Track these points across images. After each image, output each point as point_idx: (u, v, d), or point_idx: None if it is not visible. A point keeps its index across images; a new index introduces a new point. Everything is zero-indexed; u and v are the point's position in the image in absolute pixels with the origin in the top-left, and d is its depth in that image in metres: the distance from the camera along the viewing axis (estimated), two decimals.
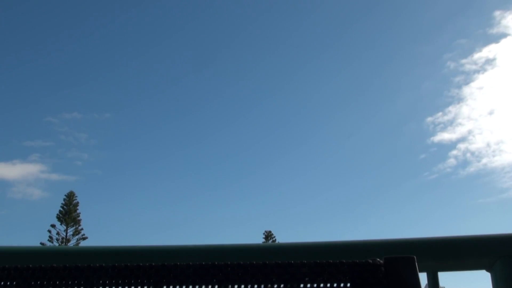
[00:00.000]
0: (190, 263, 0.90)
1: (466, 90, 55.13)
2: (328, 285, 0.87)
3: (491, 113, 56.04)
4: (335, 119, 56.92)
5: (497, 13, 52.14)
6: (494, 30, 53.70)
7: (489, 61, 54.72)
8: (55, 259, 1.34)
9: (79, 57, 54.98)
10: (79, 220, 40.61)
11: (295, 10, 54.34)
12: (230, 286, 0.88)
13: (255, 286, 0.88)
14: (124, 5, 54.76)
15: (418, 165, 55.61)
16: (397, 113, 57.13)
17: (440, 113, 53.73)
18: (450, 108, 54.16)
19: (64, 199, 41.09)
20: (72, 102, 55.41)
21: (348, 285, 0.87)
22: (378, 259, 0.89)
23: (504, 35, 57.16)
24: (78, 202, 41.25)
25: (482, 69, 52.79)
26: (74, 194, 41.34)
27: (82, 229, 40.64)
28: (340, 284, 0.87)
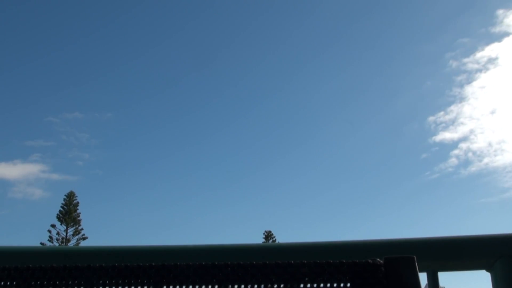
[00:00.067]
0: (190, 263, 0.90)
1: (468, 89, 55.16)
2: (328, 285, 0.87)
3: (493, 112, 56.09)
4: (336, 119, 56.95)
5: (500, 11, 52.16)
6: (497, 29, 53.70)
7: (492, 60, 54.62)
8: (55, 259, 1.34)
9: (80, 57, 55.09)
10: (79, 220, 40.63)
11: (295, 9, 54.36)
12: (230, 286, 0.88)
13: (255, 286, 0.88)
14: (125, 4, 54.77)
15: (420, 164, 55.64)
16: (399, 112, 57.14)
17: (442, 113, 53.72)
18: (452, 107, 54.14)
19: (64, 199, 41.11)
20: (73, 102, 55.51)
21: (348, 285, 0.87)
22: (378, 259, 0.89)
23: (506, 34, 57.16)
24: (78, 202, 41.29)
25: (484, 68, 52.75)
26: (74, 194, 41.36)
27: (82, 229, 40.69)
28: (340, 284, 0.87)
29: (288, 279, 0.87)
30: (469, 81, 54.87)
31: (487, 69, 53.13)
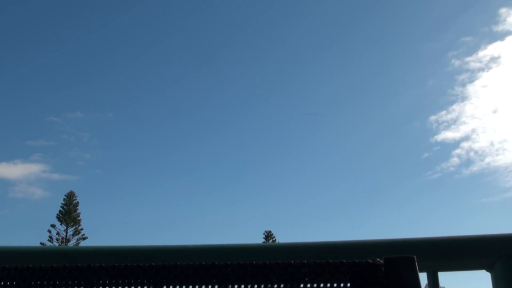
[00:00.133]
0: (190, 263, 0.90)
1: (470, 88, 55.10)
2: (328, 285, 0.87)
3: (495, 111, 55.99)
4: (337, 118, 56.94)
5: (502, 10, 52.11)
6: (500, 28, 53.59)
7: (494, 59, 54.39)
8: (55, 259, 1.34)
9: (82, 56, 55.12)
10: (79, 220, 40.64)
11: (296, 9, 54.34)
12: (230, 286, 0.88)
13: (255, 286, 0.88)
14: (126, 4, 54.79)
15: (421, 164, 55.55)
16: (401, 112, 57.00)
17: (444, 112, 53.60)
18: (454, 106, 54.00)
19: (64, 199, 41.12)
20: (74, 102, 55.47)
21: (348, 285, 0.87)
22: (378, 259, 0.89)
23: (509, 33, 56.94)
24: (78, 202, 41.30)
25: (486, 67, 52.59)
26: (74, 194, 41.37)
27: (82, 229, 40.69)
28: (340, 284, 0.87)
29: (288, 279, 0.87)
30: (471, 80, 54.77)
31: (490, 68, 53.05)
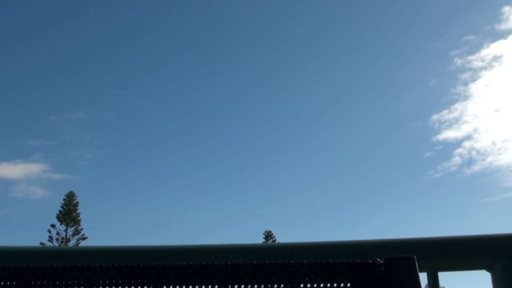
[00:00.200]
0: (190, 263, 0.90)
1: (473, 88, 55.06)
2: (328, 285, 0.87)
3: (497, 110, 55.91)
4: (339, 117, 56.90)
5: (505, 8, 51.99)
6: (503, 26, 53.54)
7: (497, 58, 54.29)
8: (55, 259, 1.34)
9: (83, 56, 55.14)
10: (79, 220, 40.65)
11: (298, 7, 54.33)
12: (230, 286, 0.88)
13: (255, 286, 0.88)
14: (127, 4, 54.81)
15: (423, 163, 55.48)
16: (403, 111, 56.84)
17: (446, 111, 53.54)
18: (456, 105, 53.93)
19: (64, 199, 41.13)
20: (76, 101, 55.45)
21: (348, 285, 0.87)
22: (378, 259, 0.89)
23: None
24: (78, 202, 41.31)
25: (489, 66, 52.49)
26: (74, 194, 41.38)
27: (82, 229, 40.70)
28: (340, 284, 0.87)
29: (288, 279, 0.87)
30: (474, 79, 54.63)
31: (492, 66, 52.96)
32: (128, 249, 1.37)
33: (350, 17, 55.50)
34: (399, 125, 57.53)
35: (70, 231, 40.31)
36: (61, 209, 40.69)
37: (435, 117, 53.37)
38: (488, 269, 1.31)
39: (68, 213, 40.46)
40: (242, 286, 0.88)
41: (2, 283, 0.90)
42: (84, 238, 40.49)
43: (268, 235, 43.89)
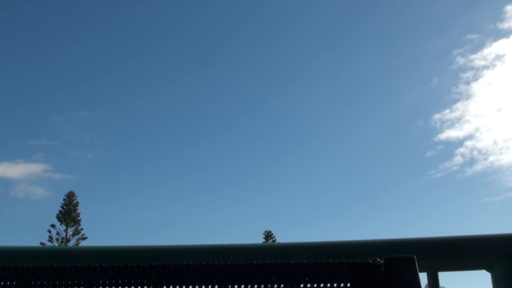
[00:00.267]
0: (190, 263, 0.90)
1: (475, 87, 54.89)
2: (328, 285, 0.87)
3: (499, 110, 55.80)
4: (340, 117, 56.84)
5: (508, 7, 51.83)
6: (505, 25, 53.37)
7: (499, 57, 53.92)
8: (55, 259, 1.34)
9: (84, 56, 55.11)
10: (79, 220, 40.65)
11: (298, 7, 54.28)
12: (230, 286, 0.88)
13: (255, 286, 0.88)
14: (128, 3, 54.83)
15: (425, 163, 55.37)
16: (404, 110, 56.65)
17: (448, 110, 53.37)
18: (458, 104, 53.78)
19: (64, 199, 41.14)
20: (77, 101, 55.42)
21: (348, 285, 0.87)
22: (378, 259, 0.89)
23: None
24: (78, 202, 41.31)
25: (491, 64, 52.35)
26: (74, 194, 41.39)
27: (82, 229, 40.71)
28: (340, 284, 0.87)
29: (288, 279, 0.87)
30: (476, 78, 54.35)
31: (494, 65, 52.81)
32: (128, 249, 1.37)
33: (351, 16, 55.44)
34: (400, 124, 57.47)
35: (70, 231, 40.34)
36: (61, 209, 40.71)
37: (436, 116, 53.30)
38: (488, 269, 1.31)
39: (68, 213, 40.46)
40: (242, 286, 0.88)
41: (2, 283, 0.90)
42: (84, 238, 40.51)
43: (268, 235, 43.90)
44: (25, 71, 53.31)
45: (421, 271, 1.27)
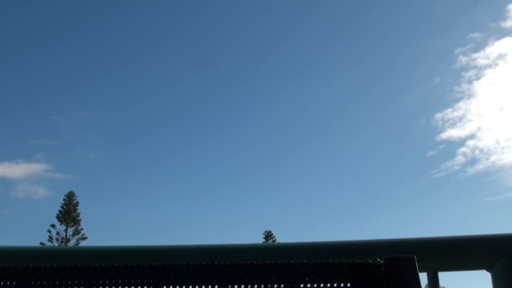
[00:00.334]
0: (190, 263, 0.90)
1: (477, 86, 54.77)
2: (328, 285, 0.87)
3: (501, 109, 55.68)
4: (341, 116, 56.70)
5: (511, 6, 51.81)
6: (508, 24, 53.17)
7: (502, 56, 53.56)
8: (55, 259, 1.34)
9: (86, 56, 55.01)
10: (79, 220, 40.65)
11: (299, 7, 54.24)
12: (230, 286, 0.88)
13: (255, 286, 0.88)
14: (130, 3, 54.84)
15: (426, 162, 55.20)
16: (406, 109, 56.40)
17: (450, 109, 53.26)
18: (460, 104, 53.57)
19: (64, 199, 41.15)
20: (79, 101, 55.36)
21: (348, 285, 0.87)
22: (378, 259, 0.89)
23: None
24: (78, 202, 41.30)
25: (494, 63, 52.11)
26: (74, 194, 41.39)
27: (82, 229, 40.70)
28: (340, 284, 0.87)
29: (288, 279, 0.87)
30: (478, 77, 54.09)
31: (497, 64, 52.67)
32: (128, 249, 1.37)
33: (353, 15, 55.29)
34: (402, 123, 57.32)
35: (70, 231, 40.34)
36: (61, 209, 40.72)
37: (438, 115, 53.20)
38: (488, 269, 1.31)
39: (68, 213, 40.46)
40: (242, 286, 0.88)
41: (2, 283, 0.90)
42: (84, 238, 40.51)
43: (268, 235, 43.90)
44: (27, 71, 53.36)
45: (421, 271, 1.27)
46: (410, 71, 56.55)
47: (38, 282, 0.89)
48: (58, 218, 40.40)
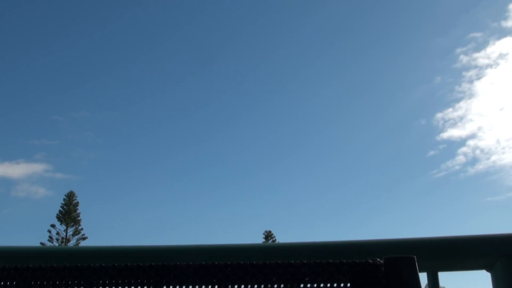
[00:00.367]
0: (190, 263, 0.90)
1: (478, 85, 54.71)
2: (328, 285, 0.87)
3: (502, 109, 55.60)
4: (341, 116, 56.69)
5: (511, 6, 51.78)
6: (509, 23, 53.08)
7: (502, 55, 53.44)
8: (55, 259, 1.34)
9: (87, 56, 55.03)
10: (79, 220, 40.64)
11: (299, 5, 54.21)
12: (230, 286, 0.88)
13: (255, 286, 0.88)
14: (131, 3, 54.82)
15: (427, 162, 55.08)
16: (407, 109, 56.38)
17: (451, 109, 53.21)
18: (461, 103, 53.52)
19: (64, 199, 41.14)
20: (79, 101, 55.36)
21: (348, 285, 0.87)
22: (378, 259, 0.89)
23: None
24: (78, 202, 41.30)
25: (495, 63, 52.03)
26: (74, 194, 41.39)
27: (82, 229, 40.70)
28: (340, 284, 0.87)
29: (288, 279, 0.87)
30: (479, 77, 53.91)
31: (498, 64, 52.56)
32: (128, 249, 1.37)
33: (353, 14, 55.22)
34: (402, 123, 57.28)
35: (70, 231, 40.34)
36: (61, 209, 40.71)
37: (439, 115, 53.13)
38: (488, 269, 1.31)
39: (68, 213, 40.46)
40: (242, 286, 0.88)
41: (2, 283, 0.90)
42: (84, 238, 40.50)
43: (268, 235, 43.89)
44: (27, 71, 53.35)
45: (421, 271, 1.27)
46: (410, 70, 56.56)
47: (38, 282, 0.89)
48: (58, 218, 40.40)
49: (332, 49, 55.78)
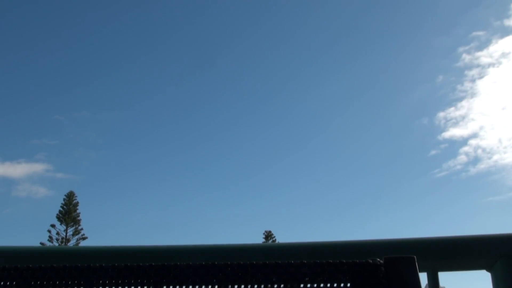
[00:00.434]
0: (190, 263, 0.90)
1: (480, 85, 54.65)
2: (328, 285, 0.87)
3: (504, 108, 55.50)
4: (343, 115, 56.64)
5: None
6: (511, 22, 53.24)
7: (505, 54, 53.26)
8: (55, 259, 1.34)
9: (88, 56, 55.00)
10: (79, 220, 40.65)
11: (300, 4, 54.17)
12: (230, 286, 0.88)
13: (255, 286, 0.88)
14: (131, 3, 54.82)
15: (428, 162, 55.01)
16: (408, 108, 56.16)
17: (453, 108, 53.11)
18: (463, 103, 53.46)
19: (64, 199, 41.14)
20: (81, 101, 55.35)
21: (348, 285, 0.87)
22: (378, 259, 0.89)
23: None
24: (78, 202, 41.31)
25: (497, 62, 51.91)
26: (74, 194, 41.40)
27: (82, 229, 40.71)
28: (340, 284, 0.87)
29: (288, 279, 0.87)
30: (481, 76, 53.76)
31: (500, 63, 52.45)
32: (128, 249, 1.37)
33: (354, 13, 55.13)
34: (404, 122, 57.14)
35: (70, 231, 40.34)
36: (61, 209, 40.72)
37: (441, 114, 53.03)
38: (488, 269, 1.31)
39: (68, 213, 40.46)
40: (242, 286, 0.88)
41: (2, 283, 0.90)
42: (84, 238, 40.51)
43: (268, 235, 43.89)
44: (28, 71, 53.36)
45: (421, 271, 1.27)
46: (412, 69, 56.54)
47: (38, 282, 0.89)
48: (58, 218, 40.41)
49: (333, 49, 55.79)
